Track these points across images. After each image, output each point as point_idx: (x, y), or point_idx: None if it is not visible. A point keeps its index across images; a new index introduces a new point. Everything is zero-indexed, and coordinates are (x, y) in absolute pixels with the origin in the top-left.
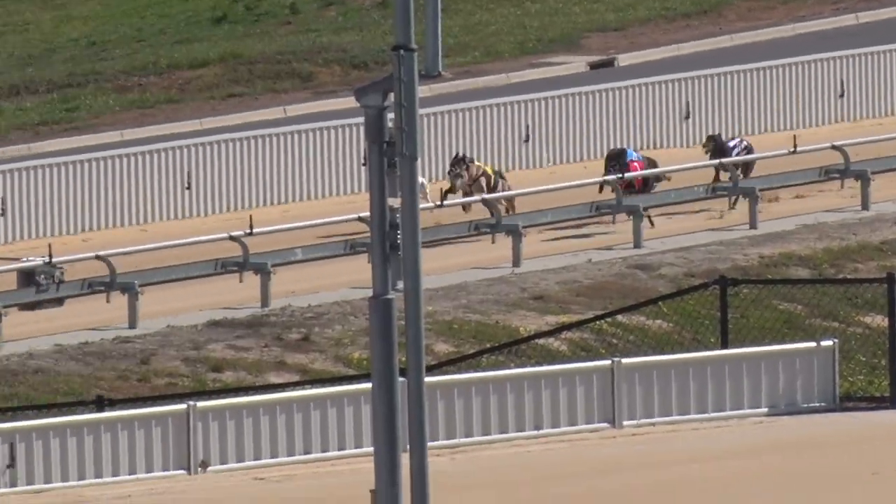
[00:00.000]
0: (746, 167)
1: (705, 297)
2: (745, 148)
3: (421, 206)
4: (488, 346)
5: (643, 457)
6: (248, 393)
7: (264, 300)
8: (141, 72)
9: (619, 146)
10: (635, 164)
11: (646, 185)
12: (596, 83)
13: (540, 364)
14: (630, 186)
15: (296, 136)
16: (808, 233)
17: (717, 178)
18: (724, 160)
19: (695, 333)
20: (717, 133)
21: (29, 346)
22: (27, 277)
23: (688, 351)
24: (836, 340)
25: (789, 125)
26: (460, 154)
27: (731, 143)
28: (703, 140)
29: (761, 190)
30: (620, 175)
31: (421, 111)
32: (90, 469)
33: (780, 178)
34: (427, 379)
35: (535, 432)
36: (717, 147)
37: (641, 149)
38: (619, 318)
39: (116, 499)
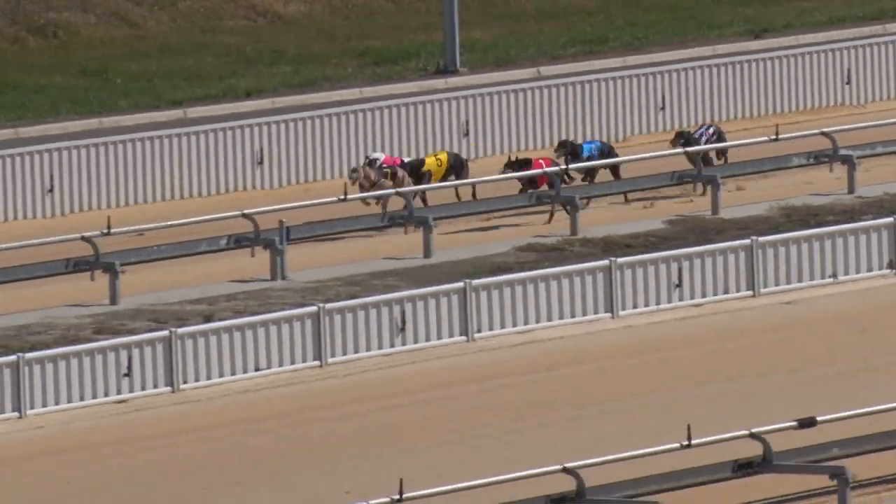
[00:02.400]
0: (720, 152)
1: None
2: (714, 134)
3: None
4: None
5: None
6: None
7: None
8: None
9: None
10: (540, 161)
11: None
12: None
13: None
14: (532, 184)
15: None
16: None
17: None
18: (689, 149)
19: None
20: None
21: None
22: None
23: None
24: None
25: None
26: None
27: (698, 133)
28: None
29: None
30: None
31: None
32: None
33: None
34: None
35: None
36: (685, 142)
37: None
38: None
39: None
